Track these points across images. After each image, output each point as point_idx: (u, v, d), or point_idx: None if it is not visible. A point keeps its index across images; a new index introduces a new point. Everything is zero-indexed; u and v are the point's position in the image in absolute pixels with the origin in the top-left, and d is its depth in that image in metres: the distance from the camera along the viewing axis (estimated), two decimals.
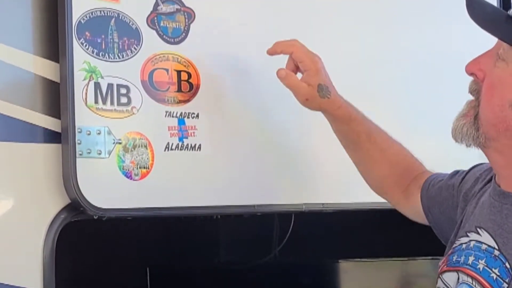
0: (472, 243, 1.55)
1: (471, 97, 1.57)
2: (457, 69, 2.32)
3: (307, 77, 1.81)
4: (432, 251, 1.96)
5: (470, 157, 2.34)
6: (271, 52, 1.86)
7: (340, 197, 2.13)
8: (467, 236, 1.58)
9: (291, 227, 2.52)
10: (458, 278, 1.53)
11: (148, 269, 2.45)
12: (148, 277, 2.45)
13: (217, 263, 2.75)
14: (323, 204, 2.11)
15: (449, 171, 2.32)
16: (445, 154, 2.34)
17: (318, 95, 1.81)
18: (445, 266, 1.59)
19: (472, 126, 1.52)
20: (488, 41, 1.57)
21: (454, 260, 1.57)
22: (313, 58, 1.82)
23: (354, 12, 2.23)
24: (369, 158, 1.90)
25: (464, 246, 1.57)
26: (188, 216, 1.95)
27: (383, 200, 2.00)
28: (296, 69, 1.84)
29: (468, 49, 2.12)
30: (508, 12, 1.50)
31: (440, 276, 1.60)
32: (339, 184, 2.14)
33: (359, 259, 2.81)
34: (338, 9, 2.20)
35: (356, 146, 1.90)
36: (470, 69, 1.55)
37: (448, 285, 1.57)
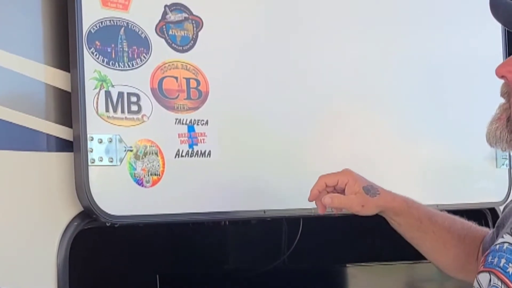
0: (506, 245, 1.53)
1: (498, 102, 1.55)
2: (466, 72, 2.40)
3: (349, 188, 1.79)
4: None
5: (478, 160, 2.41)
6: (312, 198, 1.82)
7: None
8: (503, 237, 1.56)
9: (299, 233, 2.54)
10: (490, 280, 1.52)
11: (158, 276, 2.46)
12: (158, 284, 2.46)
13: (226, 270, 2.76)
14: (331, 208, 2.12)
15: (455, 175, 2.36)
16: (453, 158, 2.38)
17: (369, 196, 1.79)
18: (482, 267, 1.57)
19: (505, 129, 1.50)
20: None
21: (489, 260, 1.55)
22: (343, 173, 1.81)
23: (360, 16, 2.24)
24: (438, 240, 1.85)
25: (498, 247, 1.55)
26: (199, 222, 1.96)
27: None
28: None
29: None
30: None
31: (477, 276, 1.58)
32: None
33: (366, 264, 2.81)
34: (346, 15, 2.22)
35: (422, 234, 1.85)
36: (501, 72, 1.53)
37: (481, 286, 1.56)
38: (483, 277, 1.56)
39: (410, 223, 1.84)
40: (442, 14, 2.41)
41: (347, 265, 2.79)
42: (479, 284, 1.57)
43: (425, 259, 2.64)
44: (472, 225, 1.90)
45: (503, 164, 2.44)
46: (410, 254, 2.68)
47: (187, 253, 2.69)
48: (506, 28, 1.53)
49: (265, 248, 2.75)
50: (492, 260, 1.54)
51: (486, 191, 2.43)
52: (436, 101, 2.37)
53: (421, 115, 2.34)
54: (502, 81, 1.55)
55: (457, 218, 1.89)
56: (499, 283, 1.49)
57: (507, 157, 2.42)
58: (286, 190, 2.06)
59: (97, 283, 2.42)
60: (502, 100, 1.55)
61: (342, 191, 1.79)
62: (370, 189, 1.79)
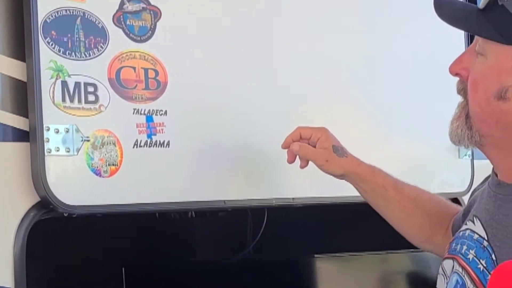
0: (467, 232, 1.55)
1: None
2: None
3: (320, 143, 1.86)
4: (410, 244, 1.97)
5: (441, 151, 2.42)
6: (285, 146, 1.90)
7: (310, 191, 2.15)
8: (466, 224, 1.58)
9: (264, 224, 2.54)
10: (453, 267, 1.54)
11: (123, 269, 2.45)
12: (123, 276, 2.45)
13: (192, 262, 2.76)
14: (293, 198, 2.13)
15: (418, 167, 2.37)
16: (415, 150, 2.39)
17: (336, 155, 1.85)
18: (446, 253, 1.60)
19: (465, 126, 1.51)
20: None
21: (453, 247, 1.57)
22: (320, 128, 1.88)
23: (327, 10, 2.25)
24: (402, 209, 1.88)
25: (461, 234, 1.57)
26: (158, 212, 1.96)
27: (353, 194, 2.01)
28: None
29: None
30: (478, 6, 1.49)
31: (442, 262, 1.61)
32: (309, 178, 2.14)
33: (335, 254, 2.81)
34: (311, 8, 2.21)
35: (386, 200, 1.89)
36: (454, 70, 1.55)
37: (445, 272, 1.58)
38: (447, 264, 1.58)
39: (374, 190, 1.88)
40: (407, 10, 2.42)
41: (315, 255, 2.79)
42: (443, 271, 1.59)
43: (396, 249, 2.68)
44: (441, 200, 1.93)
45: (465, 155, 2.45)
46: (381, 245, 2.71)
47: (153, 245, 2.69)
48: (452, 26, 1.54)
49: (231, 239, 2.75)
50: (456, 247, 1.56)
51: (449, 182, 2.44)
52: (399, 95, 2.38)
53: (384, 107, 2.34)
54: None
55: (426, 191, 1.92)
56: (460, 269, 1.51)
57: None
58: (247, 180, 2.07)
59: (59, 275, 2.42)
60: (461, 99, 1.56)
61: (315, 146, 1.86)
62: (339, 149, 1.86)
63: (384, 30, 2.36)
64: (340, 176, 1.89)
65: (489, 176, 1.68)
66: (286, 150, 1.91)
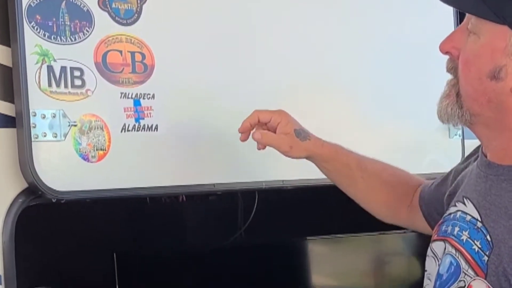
0: (459, 213, 1.54)
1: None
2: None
3: (281, 128, 1.84)
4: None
5: (431, 131, 2.41)
6: (242, 130, 1.86)
7: (300, 173, 2.14)
8: (455, 206, 1.57)
9: (255, 207, 2.54)
10: (445, 248, 1.53)
11: (114, 254, 2.45)
12: (115, 262, 2.45)
13: (183, 246, 2.75)
14: (283, 181, 2.13)
15: (408, 147, 2.37)
16: (405, 130, 2.39)
17: (299, 139, 1.84)
18: (436, 235, 1.59)
19: (455, 104, 1.50)
20: None
21: (443, 229, 1.56)
22: (279, 112, 1.86)
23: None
24: (366, 187, 1.90)
25: (452, 216, 1.56)
26: (148, 197, 1.95)
27: None
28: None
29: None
30: None
31: (431, 244, 1.60)
32: (299, 160, 2.14)
33: (327, 236, 2.81)
34: None
35: (350, 179, 1.90)
36: (444, 48, 1.53)
37: (436, 254, 1.56)
38: (438, 246, 1.57)
39: (338, 170, 1.89)
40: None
41: (307, 237, 2.79)
42: (433, 253, 1.58)
43: (388, 230, 2.68)
44: (405, 173, 1.93)
45: (455, 134, 2.45)
46: (373, 226, 2.71)
47: (144, 230, 2.68)
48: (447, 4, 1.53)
49: (222, 223, 2.74)
50: (446, 229, 1.55)
51: (439, 162, 2.43)
52: (388, 75, 2.37)
53: (373, 89, 2.34)
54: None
55: (389, 166, 1.92)
56: (453, 251, 1.50)
57: (460, 127, 2.42)
58: (236, 163, 2.06)
59: (49, 261, 2.41)
60: (450, 76, 1.55)
61: (274, 130, 1.83)
62: (301, 133, 1.84)
63: (373, 12, 2.35)
64: (304, 158, 1.89)
65: (468, 156, 1.69)
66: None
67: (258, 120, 1.85)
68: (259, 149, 1.85)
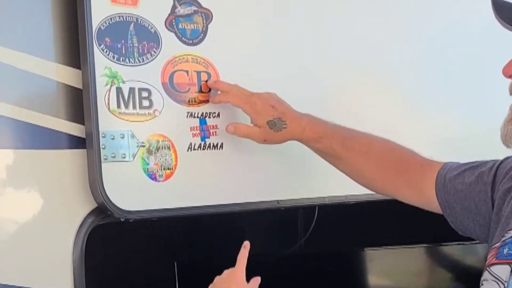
0: None
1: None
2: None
3: (253, 121, 1.87)
4: (458, 236, 1.96)
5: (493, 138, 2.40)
6: (210, 84, 1.90)
7: (363, 188, 2.14)
8: None
9: (315, 218, 2.54)
10: (511, 271, 1.51)
11: (175, 264, 2.48)
12: (176, 271, 2.48)
13: None
14: (345, 196, 2.13)
15: (469, 147, 2.34)
16: (466, 131, 2.38)
17: (272, 131, 1.86)
18: (494, 259, 1.56)
19: None
20: None
21: (505, 252, 1.54)
22: (250, 101, 1.86)
23: None
24: (354, 166, 1.91)
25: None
26: (213, 214, 1.97)
27: None
28: None
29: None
30: None
31: (488, 268, 1.57)
32: None
33: (384, 247, 2.81)
34: None
35: (336, 160, 1.92)
36: (508, 72, 1.52)
37: (498, 278, 1.54)
38: (501, 269, 1.54)
39: (322, 151, 1.92)
40: None
41: (365, 248, 2.79)
42: (495, 277, 1.56)
43: (444, 242, 2.67)
44: (396, 148, 1.91)
45: None
46: (429, 237, 2.70)
47: (204, 240, 2.70)
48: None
49: (282, 234, 2.76)
50: (510, 252, 1.54)
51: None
52: (443, 75, 2.38)
53: (427, 88, 2.35)
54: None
55: (378, 140, 1.92)
56: None
57: None
58: (299, 179, 2.07)
59: (115, 275, 2.45)
60: None
61: None
62: (276, 123, 1.85)
63: (431, 8, 2.36)
64: None
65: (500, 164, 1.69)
66: None
67: None
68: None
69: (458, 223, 1.76)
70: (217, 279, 1.70)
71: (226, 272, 1.70)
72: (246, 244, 1.73)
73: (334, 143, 1.89)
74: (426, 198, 1.81)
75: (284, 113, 1.87)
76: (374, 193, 2.13)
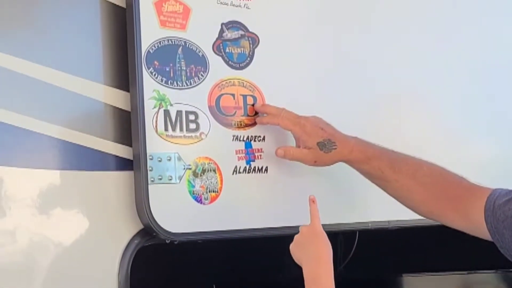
0: None
1: None
2: None
3: (303, 143, 1.88)
4: (496, 263, 1.95)
5: None
6: (257, 108, 1.92)
7: (406, 214, 2.13)
8: None
9: (355, 244, 2.54)
10: None
11: (214, 286, 2.48)
12: None
13: (281, 279, 2.77)
14: (388, 221, 2.13)
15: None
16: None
17: (322, 152, 1.87)
18: None
19: None
20: None
21: None
22: (299, 123, 1.88)
23: (413, 13, 2.29)
24: (402, 188, 1.90)
25: None
26: (258, 237, 1.97)
27: None
28: None
29: None
30: None
31: None
32: None
33: (422, 273, 2.80)
34: (399, 13, 2.26)
35: (384, 182, 1.91)
36: None
37: None
38: None
39: (370, 173, 1.91)
40: (493, 12, 2.44)
41: (404, 275, 2.78)
42: None
43: (481, 269, 2.65)
44: (444, 172, 1.89)
45: None
46: (466, 264, 2.69)
47: (243, 263, 2.70)
48: None
49: None
50: None
51: None
52: (482, 96, 2.39)
53: (465, 109, 2.36)
54: None
55: (426, 163, 1.90)
56: None
57: None
58: (341, 203, 2.07)
59: None
60: None
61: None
62: (326, 145, 1.87)
63: (466, 29, 2.38)
64: None
65: None
66: None
67: None
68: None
69: (508, 249, 1.75)
70: (297, 237, 1.72)
71: (303, 230, 1.72)
72: (314, 199, 1.76)
73: (382, 165, 1.88)
74: (474, 224, 1.79)
75: (333, 134, 1.88)
76: (417, 218, 2.13)
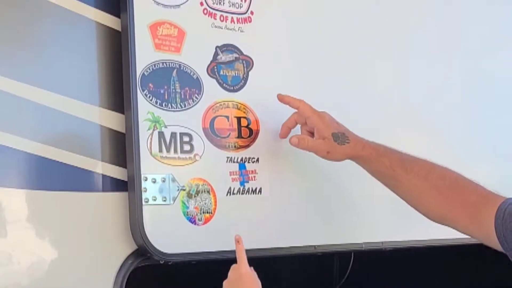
0: None
1: None
2: None
3: (318, 132, 1.88)
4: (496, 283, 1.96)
5: None
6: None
7: (400, 235, 2.15)
8: None
9: (350, 265, 2.55)
10: None
11: None
12: None
13: None
14: (382, 242, 2.14)
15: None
16: None
17: (336, 144, 1.87)
18: None
19: None
20: None
21: None
22: (319, 113, 1.89)
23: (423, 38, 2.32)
24: (413, 189, 1.87)
25: None
26: (251, 259, 1.98)
27: (441, 236, 2.01)
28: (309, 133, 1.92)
29: None
30: None
31: None
32: (398, 222, 2.16)
33: None
34: (408, 33, 2.30)
35: (396, 181, 1.89)
36: None
37: None
38: None
39: (381, 171, 1.90)
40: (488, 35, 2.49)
41: None
42: None
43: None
44: (459, 177, 1.85)
45: None
46: (464, 283, 2.69)
47: None
48: None
49: (316, 279, 2.76)
50: None
51: None
52: (483, 119, 2.44)
53: (465, 132, 2.41)
54: None
55: (438, 166, 1.87)
56: None
57: None
58: (336, 225, 2.08)
59: None
60: None
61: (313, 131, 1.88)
62: (340, 136, 1.87)
63: (465, 48, 2.43)
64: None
65: None
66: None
67: (296, 122, 1.90)
68: (281, 137, 1.94)
69: None
70: (224, 282, 1.72)
71: (229, 273, 1.72)
72: (239, 239, 1.74)
73: (393, 163, 1.87)
74: (486, 232, 1.75)
75: (347, 130, 1.90)
76: (411, 239, 2.15)
